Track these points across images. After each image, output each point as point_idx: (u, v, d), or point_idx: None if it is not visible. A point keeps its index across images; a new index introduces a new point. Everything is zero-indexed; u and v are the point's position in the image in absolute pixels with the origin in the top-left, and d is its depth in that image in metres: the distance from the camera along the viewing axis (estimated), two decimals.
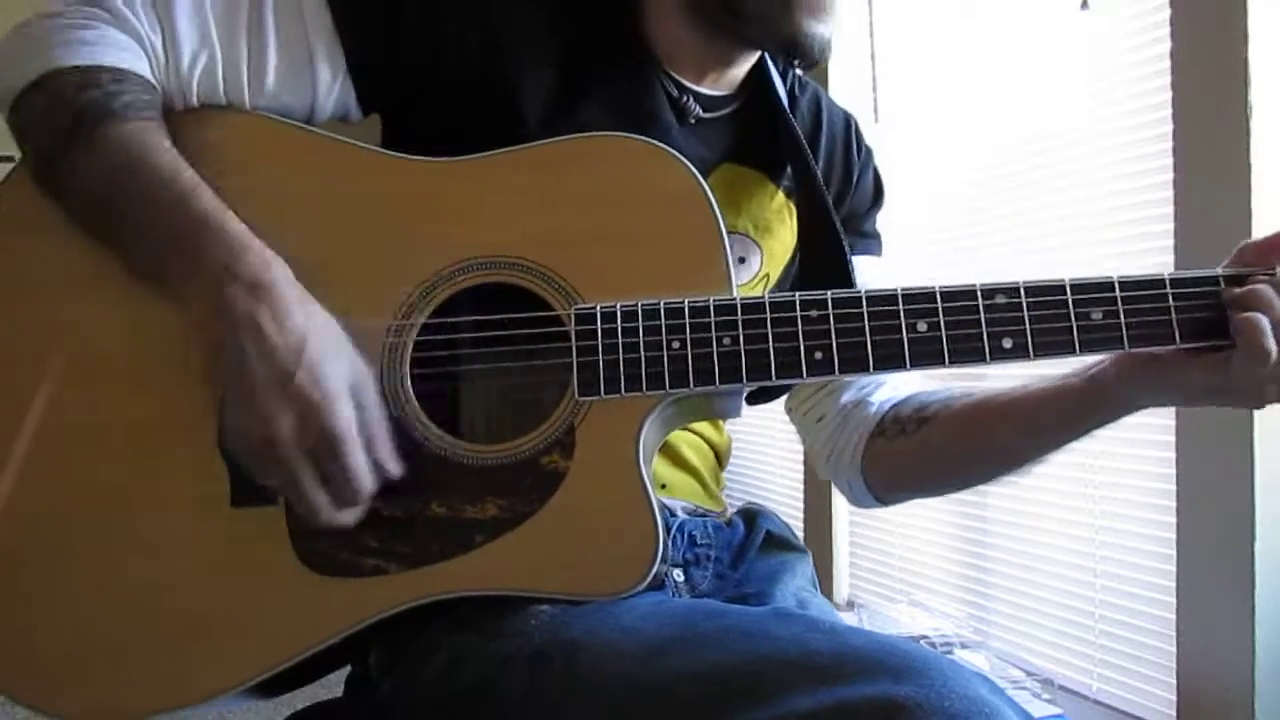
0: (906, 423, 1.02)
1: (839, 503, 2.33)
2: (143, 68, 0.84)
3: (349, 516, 0.79)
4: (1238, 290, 0.78)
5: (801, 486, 2.40)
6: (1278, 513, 1.35)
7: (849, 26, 2.28)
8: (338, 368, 0.77)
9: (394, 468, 0.79)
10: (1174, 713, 1.50)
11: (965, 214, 1.97)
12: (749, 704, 0.64)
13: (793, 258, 1.02)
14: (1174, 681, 1.50)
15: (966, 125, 1.94)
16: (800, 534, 2.38)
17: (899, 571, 2.17)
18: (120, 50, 0.83)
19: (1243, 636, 1.36)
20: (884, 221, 1.13)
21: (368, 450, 0.77)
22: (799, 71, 1.07)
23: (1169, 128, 1.46)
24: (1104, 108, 1.63)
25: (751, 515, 1.03)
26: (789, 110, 1.02)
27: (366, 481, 0.77)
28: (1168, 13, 1.47)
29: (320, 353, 0.77)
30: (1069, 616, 1.72)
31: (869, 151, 1.11)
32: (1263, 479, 1.35)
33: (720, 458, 1.04)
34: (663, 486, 0.96)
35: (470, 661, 0.78)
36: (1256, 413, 1.33)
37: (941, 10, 2.03)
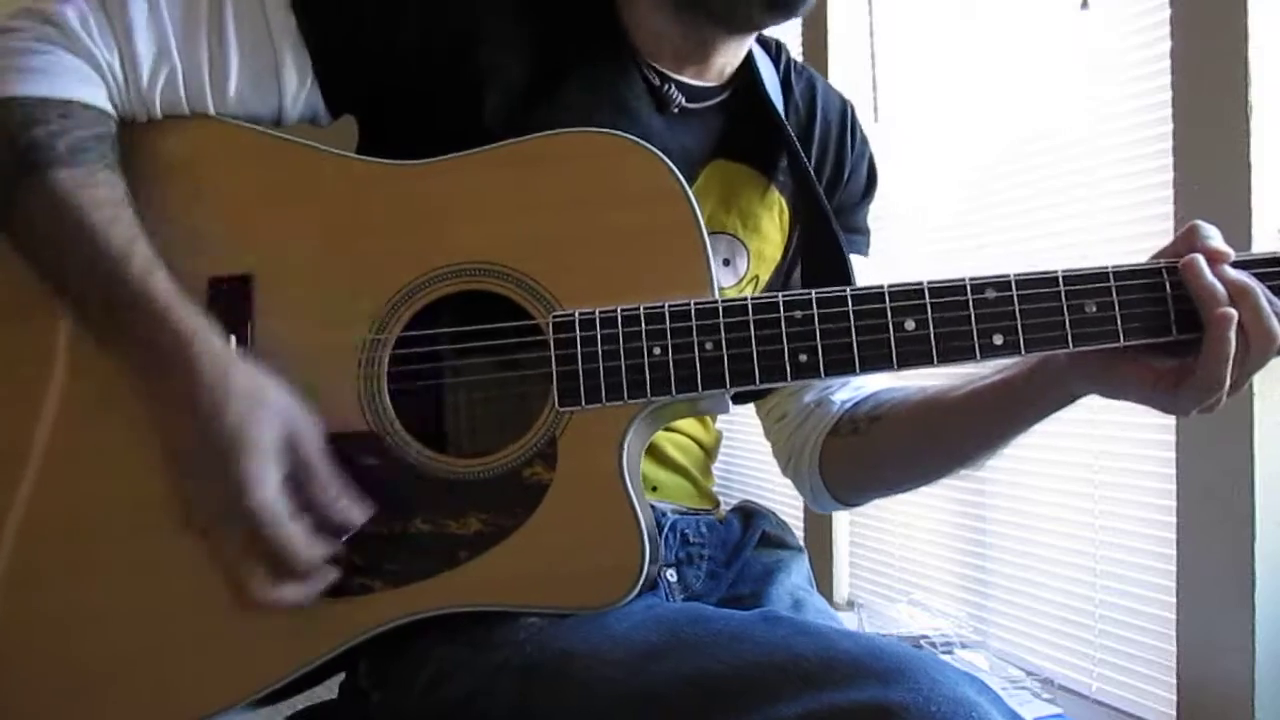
0: (860, 422, 1.02)
1: None
2: (96, 95, 0.81)
3: (297, 592, 0.77)
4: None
5: None
6: (1278, 513, 1.35)
7: (848, 27, 2.28)
8: (264, 434, 0.75)
9: (355, 516, 0.77)
10: (1174, 713, 1.50)
11: (965, 213, 1.97)
12: (737, 711, 0.64)
13: (784, 258, 1.00)
14: (1174, 681, 1.49)
15: (966, 125, 1.94)
16: (800, 534, 2.37)
17: (899, 571, 2.17)
18: (72, 78, 0.80)
19: (1243, 636, 1.36)
20: (874, 215, 1.11)
21: (313, 511, 0.76)
22: (795, 59, 1.04)
23: (1169, 128, 1.46)
24: (1104, 107, 1.63)
25: (747, 513, 1.03)
26: (783, 99, 0.99)
27: (298, 548, 0.75)
28: (1168, 13, 1.46)
29: (242, 421, 0.74)
30: (1069, 616, 1.72)
31: (864, 141, 1.08)
32: (1263, 479, 1.35)
33: (709, 453, 1.03)
34: (653, 489, 0.95)
35: (459, 674, 0.78)
36: (1257, 413, 1.33)
37: (941, 10, 2.03)
